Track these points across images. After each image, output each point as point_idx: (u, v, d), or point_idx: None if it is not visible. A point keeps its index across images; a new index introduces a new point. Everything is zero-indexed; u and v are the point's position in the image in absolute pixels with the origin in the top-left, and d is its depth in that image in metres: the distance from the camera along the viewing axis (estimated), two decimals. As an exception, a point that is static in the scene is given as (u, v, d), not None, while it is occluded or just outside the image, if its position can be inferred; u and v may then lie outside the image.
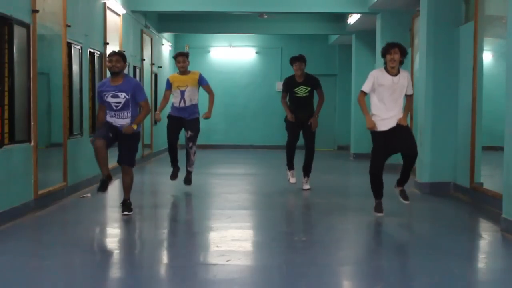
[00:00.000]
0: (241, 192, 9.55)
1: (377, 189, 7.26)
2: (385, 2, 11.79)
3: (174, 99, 9.15)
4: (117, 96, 7.13)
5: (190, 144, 9.17)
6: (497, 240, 6.41)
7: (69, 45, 8.64)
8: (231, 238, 6.29)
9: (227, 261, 5.33)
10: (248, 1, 12.90)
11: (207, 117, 9.26)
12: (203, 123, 9.47)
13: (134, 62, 12.90)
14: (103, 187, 7.28)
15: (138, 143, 7.43)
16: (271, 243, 6.18)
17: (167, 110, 9.45)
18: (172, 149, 9.34)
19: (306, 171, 9.51)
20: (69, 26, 8.42)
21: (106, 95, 7.15)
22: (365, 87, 7.13)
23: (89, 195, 8.77)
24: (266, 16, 15.65)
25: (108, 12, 10.65)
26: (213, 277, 4.93)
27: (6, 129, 6.72)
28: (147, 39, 14.23)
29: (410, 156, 7.10)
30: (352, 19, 14.55)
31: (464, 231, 6.88)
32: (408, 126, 7.21)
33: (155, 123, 12.70)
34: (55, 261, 5.37)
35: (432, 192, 9.30)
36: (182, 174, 9.44)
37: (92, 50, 9.78)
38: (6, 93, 6.70)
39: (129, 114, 7.18)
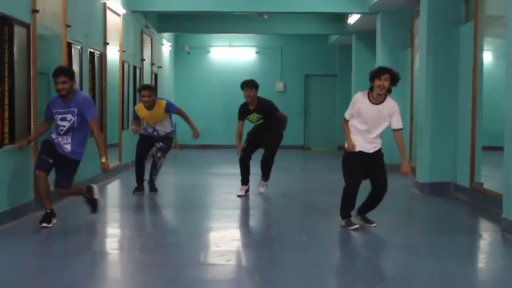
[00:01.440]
0: (241, 192, 9.53)
1: (349, 207, 6.64)
2: (385, 2, 11.79)
3: (148, 127, 8.89)
4: (64, 119, 6.53)
5: (159, 155, 8.85)
6: (497, 240, 6.41)
7: (69, 45, 8.64)
8: (231, 238, 6.29)
9: (227, 261, 5.33)
10: (248, 1, 12.89)
11: (197, 135, 8.91)
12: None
13: (134, 62, 12.90)
14: (47, 220, 6.56)
15: (75, 169, 6.78)
16: (271, 243, 6.18)
17: None
18: (140, 166, 8.99)
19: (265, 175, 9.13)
20: (69, 26, 8.42)
21: (57, 116, 6.56)
22: (347, 115, 6.63)
23: (89, 195, 8.75)
24: (266, 16, 15.65)
25: (108, 12, 10.65)
26: (213, 277, 4.93)
27: (6, 129, 6.72)
28: (147, 39, 14.23)
29: (379, 191, 6.53)
30: (352, 19, 14.55)
31: (464, 231, 6.88)
32: (383, 160, 6.62)
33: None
34: (55, 261, 5.37)
35: (432, 192, 9.30)
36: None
37: (92, 50, 9.78)
38: (6, 93, 6.70)
39: (70, 139, 6.57)
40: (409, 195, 9.37)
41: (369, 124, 6.46)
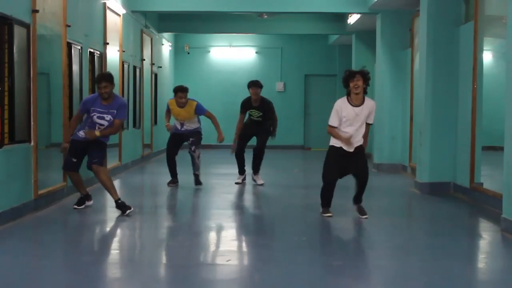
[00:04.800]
0: (241, 192, 9.55)
1: (328, 197, 7.29)
2: (385, 2, 11.79)
3: (176, 123, 9.62)
4: (102, 118, 7.31)
5: (193, 148, 9.54)
6: (497, 240, 6.41)
7: (69, 45, 8.64)
8: (231, 238, 6.29)
9: (227, 261, 5.33)
10: (248, 1, 12.89)
11: (221, 139, 9.65)
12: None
13: (134, 62, 12.90)
14: (80, 203, 7.60)
15: (105, 150, 7.63)
16: (271, 243, 6.18)
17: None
18: (171, 161, 9.73)
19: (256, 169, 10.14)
20: (69, 26, 8.42)
21: (95, 114, 7.31)
22: (333, 122, 7.06)
23: (89, 195, 8.75)
24: (266, 16, 15.65)
25: (108, 12, 10.65)
26: (213, 277, 4.93)
27: (6, 129, 6.72)
28: (147, 39, 14.23)
29: (362, 180, 7.09)
30: (352, 19, 14.55)
31: (464, 231, 6.88)
32: (363, 151, 7.13)
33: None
34: (55, 261, 5.37)
35: (432, 192, 9.30)
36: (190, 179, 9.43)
37: (92, 50, 9.78)
38: (6, 93, 6.70)
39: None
40: (409, 195, 9.37)
41: (355, 126, 6.99)
